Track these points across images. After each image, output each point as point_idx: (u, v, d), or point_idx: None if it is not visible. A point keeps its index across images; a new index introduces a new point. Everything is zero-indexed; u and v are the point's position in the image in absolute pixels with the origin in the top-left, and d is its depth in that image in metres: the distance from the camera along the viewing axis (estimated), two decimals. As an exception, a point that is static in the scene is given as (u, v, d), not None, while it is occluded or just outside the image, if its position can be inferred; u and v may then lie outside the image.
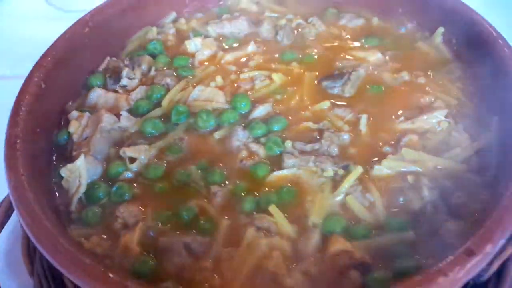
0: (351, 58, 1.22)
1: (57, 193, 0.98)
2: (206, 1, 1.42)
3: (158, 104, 1.12)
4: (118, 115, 1.08)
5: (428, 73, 1.16)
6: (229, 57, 1.25)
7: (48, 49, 1.14)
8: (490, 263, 0.89)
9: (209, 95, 1.13)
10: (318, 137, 1.02)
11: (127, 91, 1.17)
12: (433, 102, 1.07)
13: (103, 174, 1.00)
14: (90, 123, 1.05)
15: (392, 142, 1.01)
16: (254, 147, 1.01)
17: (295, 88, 1.15)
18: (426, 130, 1.02)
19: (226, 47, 1.29)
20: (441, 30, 1.22)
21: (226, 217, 0.91)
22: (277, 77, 1.16)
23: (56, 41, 1.16)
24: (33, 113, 1.02)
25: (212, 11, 1.42)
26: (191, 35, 1.31)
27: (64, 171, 0.96)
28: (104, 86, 1.19)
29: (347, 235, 0.85)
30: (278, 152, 1.00)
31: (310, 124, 1.05)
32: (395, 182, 0.93)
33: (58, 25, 1.20)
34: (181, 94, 1.14)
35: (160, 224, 0.90)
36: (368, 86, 1.14)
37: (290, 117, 1.08)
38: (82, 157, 0.96)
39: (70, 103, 1.15)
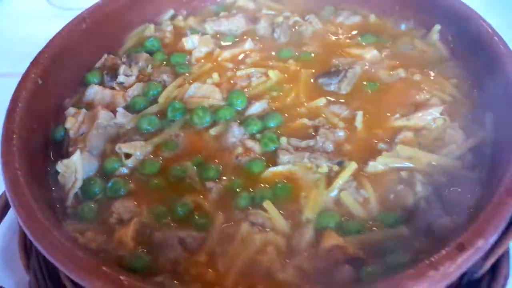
0: (347, 55, 1.23)
1: (53, 189, 0.98)
2: (204, -2, 1.43)
3: (154, 101, 1.13)
4: (114, 112, 1.08)
5: (424, 70, 1.16)
6: (226, 54, 1.25)
7: (45, 46, 1.15)
8: (484, 259, 0.90)
9: (205, 92, 1.13)
10: (313, 133, 1.03)
11: (124, 88, 1.17)
12: (428, 99, 1.07)
13: (99, 170, 1.00)
14: (87, 120, 1.06)
15: (387, 139, 1.01)
16: (250, 143, 1.01)
17: (291, 85, 1.15)
18: (421, 127, 1.02)
19: (223, 44, 1.29)
20: (437, 27, 1.23)
21: (221, 213, 0.91)
22: (273, 74, 1.17)
23: (53, 38, 1.17)
24: (29, 110, 1.02)
25: (210, 8, 1.42)
26: (188, 33, 1.32)
27: (60, 167, 0.96)
28: (101, 83, 1.19)
29: (341, 231, 0.86)
30: (274, 149, 1.00)
31: (305, 120, 1.06)
32: (389, 178, 0.93)
33: (59, 23, 1.20)
34: (178, 91, 1.14)
35: (155, 220, 0.91)
36: (364, 83, 1.14)
37: (286, 114, 1.08)
38: (78, 152, 0.96)
39: (67, 100, 1.15)
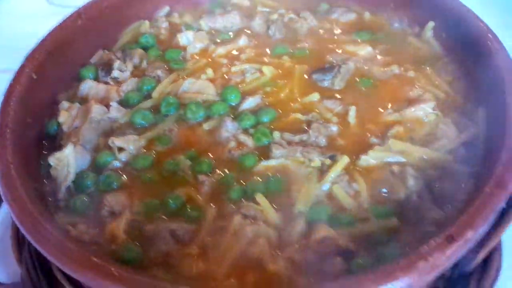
0: (342, 52, 1.23)
1: (46, 182, 0.98)
2: (199, -5, 1.43)
3: (148, 96, 1.13)
4: (108, 107, 1.08)
5: (418, 67, 1.16)
6: (220, 50, 1.25)
7: (40, 42, 1.15)
8: (476, 252, 0.90)
9: (199, 87, 1.13)
10: (306, 128, 1.03)
11: (118, 83, 1.17)
12: (421, 95, 1.08)
13: (92, 163, 1.00)
14: (80, 114, 1.06)
15: (379, 133, 1.02)
16: (243, 137, 1.02)
17: (285, 81, 1.15)
18: (413, 122, 1.02)
19: (218, 41, 1.29)
20: (431, 24, 1.23)
21: (213, 206, 0.91)
22: (267, 70, 1.17)
23: (48, 34, 1.18)
24: (23, 104, 1.03)
25: (205, 5, 1.42)
26: (183, 29, 1.32)
27: (52, 160, 0.96)
28: (96, 78, 1.19)
29: (332, 223, 0.86)
30: (267, 143, 1.00)
31: (299, 115, 1.06)
32: (381, 172, 0.94)
33: (58, 21, 1.21)
34: (172, 86, 1.15)
35: (147, 212, 0.91)
36: (358, 80, 1.14)
37: (279, 109, 1.08)
38: (70, 145, 0.97)
39: (61, 94, 1.15)
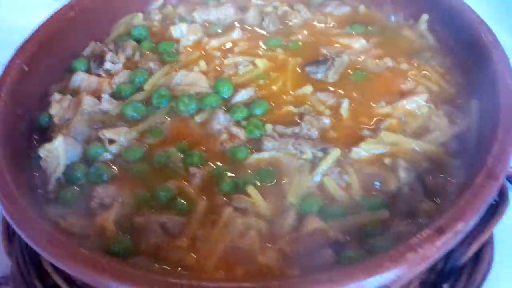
0: (335, 44, 1.22)
1: (36, 174, 0.97)
2: (193, -13, 1.42)
3: (141, 88, 1.12)
4: (100, 99, 1.08)
5: (411, 59, 1.16)
6: (214, 43, 1.24)
7: (32, 33, 1.15)
8: (467, 246, 0.90)
9: (192, 79, 1.13)
10: (298, 120, 1.02)
11: (111, 75, 1.16)
12: (414, 88, 1.07)
13: (83, 155, 1.00)
14: (72, 106, 1.05)
15: (372, 126, 1.01)
16: (235, 130, 1.01)
17: (278, 73, 1.15)
18: (406, 114, 1.02)
19: (212, 33, 1.29)
20: (425, 17, 1.23)
21: (204, 198, 0.91)
22: (260, 63, 1.16)
23: (41, 26, 1.17)
24: (14, 96, 1.02)
25: (199, -2, 1.42)
26: (176, 21, 1.31)
27: (42, 151, 0.96)
28: (88, 70, 1.19)
29: (323, 215, 0.86)
30: (259, 135, 1.00)
31: (291, 108, 1.05)
32: (372, 164, 0.93)
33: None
34: (165, 78, 1.14)
35: (137, 205, 0.90)
36: (351, 72, 1.14)
37: (272, 102, 1.08)
38: (60, 137, 0.96)
39: (53, 86, 1.15)
